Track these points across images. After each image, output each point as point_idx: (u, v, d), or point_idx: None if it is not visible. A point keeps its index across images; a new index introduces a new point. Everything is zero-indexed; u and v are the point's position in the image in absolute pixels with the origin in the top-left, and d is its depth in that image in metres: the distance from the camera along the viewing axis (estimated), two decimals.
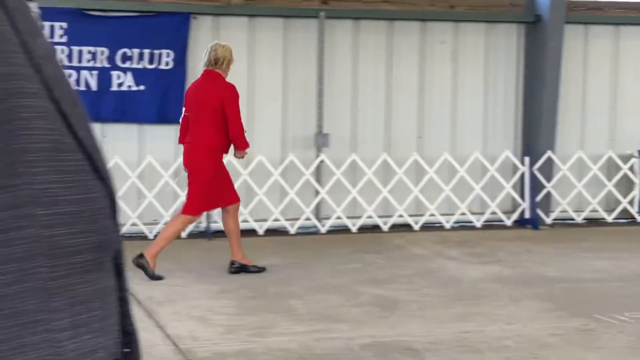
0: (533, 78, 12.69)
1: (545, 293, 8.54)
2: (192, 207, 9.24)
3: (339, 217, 12.19)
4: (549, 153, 12.58)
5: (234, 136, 9.12)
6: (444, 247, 10.97)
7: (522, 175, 12.66)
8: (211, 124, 9.07)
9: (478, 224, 12.51)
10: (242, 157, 9.52)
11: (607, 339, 6.97)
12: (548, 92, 12.51)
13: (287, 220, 12.08)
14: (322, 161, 12.18)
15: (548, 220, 12.68)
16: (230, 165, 11.87)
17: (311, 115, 12.29)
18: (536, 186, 12.51)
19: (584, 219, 12.91)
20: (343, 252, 10.60)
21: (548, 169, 12.68)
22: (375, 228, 12.27)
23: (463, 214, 12.57)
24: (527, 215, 12.54)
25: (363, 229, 12.20)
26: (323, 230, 12.11)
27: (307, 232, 12.16)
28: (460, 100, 12.80)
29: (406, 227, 12.34)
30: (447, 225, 12.39)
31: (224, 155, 9.36)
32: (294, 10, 12.18)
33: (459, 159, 12.62)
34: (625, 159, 12.96)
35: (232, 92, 9.13)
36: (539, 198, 12.55)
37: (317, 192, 12.24)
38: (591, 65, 13.12)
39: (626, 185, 12.98)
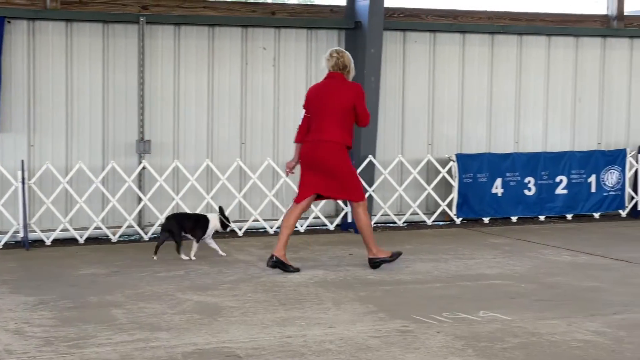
0: None
1: (366, 296, 8.65)
2: (359, 194, 9.88)
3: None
4: (370, 157, 12.77)
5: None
6: (267, 252, 10.93)
7: None
8: (342, 123, 9.74)
9: (302, 229, 12.59)
10: None
11: (426, 339, 7.11)
12: (368, 98, 12.66)
13: (108, 228, 11.88)
14: (144, 168, 12.03)
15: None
16: (50, 173, 11.59)
17: (132, 121, 12.13)
18: None
19: (405, 222, 13.17)
20: (166, 259, 10.47)
21: (370, 173, 12.88)
22: None
23: None
24: (349, 219, 12.69)
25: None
26: (146, 237, 11.95)
27: (130, 240, 11.98)
28: (282, 105, 12.86)
29: (230, 232, 12.30)
30: (271, 231, 12.42)
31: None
32: (113, 16, 11.97)
33: (282, 164, 12.68)
34: (444, 162, 13.29)
35: (361, 90, 9.85)
36: None
37: (139, 199, 12.07)
38: (410, 70, 13.41)
39: (445, 188, 13.31)
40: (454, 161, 13.21)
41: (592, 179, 13.83)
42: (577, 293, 8.82)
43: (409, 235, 12.38)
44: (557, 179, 13.63)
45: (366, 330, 7.40)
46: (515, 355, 6.70)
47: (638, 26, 14.56)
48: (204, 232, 10.44)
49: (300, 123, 9.94)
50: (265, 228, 12.47)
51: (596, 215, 13.90)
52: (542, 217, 13.65)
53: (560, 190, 13.67)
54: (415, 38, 13.39)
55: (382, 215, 12.99)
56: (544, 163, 13.57)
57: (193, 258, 10.40)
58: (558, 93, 14.18)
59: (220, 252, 10.60)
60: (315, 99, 9.82)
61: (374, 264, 9.95)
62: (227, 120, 12.61)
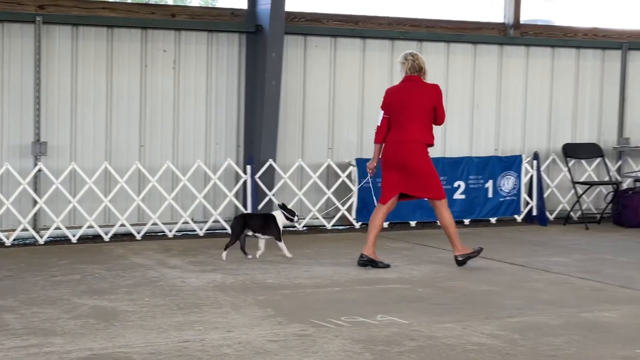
0: (254, 87, 12.84)
1: (265, 300, 8.63)
2: (441, 192, 10.32)
3: (58, 228, 11.86)
4: (270, 161, 12.76)
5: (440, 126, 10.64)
6: (166, 256, 10.89)
7: (245, 184, 12.78)
8: (424, 123, 10.18)
9: (201, 233, 12.52)
10: None
11: (324, 343, 7.12)
12: (269, 101, 12.69)
13: (2, 231, 11.64)
14: (39, 170, 11.81)
15: None
16: None
17: (28, 123, 11.89)
18: (258, 194, 12.66)
19: (305, 226, 13.19)
20: (62, 263, 10.31)
21: (270, 177, 12.87)
22: (97, 238, 12.04)
23: (186, 222, 12.55)
24: None
25: (84, 239, 11.94)
26: (41, 241, 11.74)
27: (24, 244, 11.75)
28: (182, 108, 12.77)
29: (128, 236, 12.18)
30: (170, 234, 12.33)
31: None
32: (8, 15, 11.73)
33: (182, 168, 12.59)
34: (344, 167, 13.35)
35: (440, 91, 10.31)
36: (260, 206, 12.71)
37: (35, 202, 11.85)
38: (310, 75, 13.43)
39: (344, 192, 13.36)
40: (353, 166, 13.27)
41: (489, 184, 14.05)
42: (473, 297, 8.94)
43: (309, 239, 12.40)
44: (455, 184, 13.81)
45: (264, 334, 7.38)
46: (412, 358, 6.75)
47: (534, 35, 14.84)
48: (279, 230, 10.62)
49: (379, 124, 10.31)
50: (164, 231, 12.36)
51: (493, 220, 14.12)
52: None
53: (458, 195, 13.86)
54: (316, 42, 13.43)
55: None
56: (442, 168, 13.72)
57: (289, 255, 10.63)
58: (456, 99, 14.36)
59: (260, 252, 10.71)
60: (396, 101, 10.24)
61: (460, 261, 10.32)
62: (125, 122, 12.46)
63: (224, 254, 10.57)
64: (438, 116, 10.28)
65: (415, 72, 10.28)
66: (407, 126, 10.17)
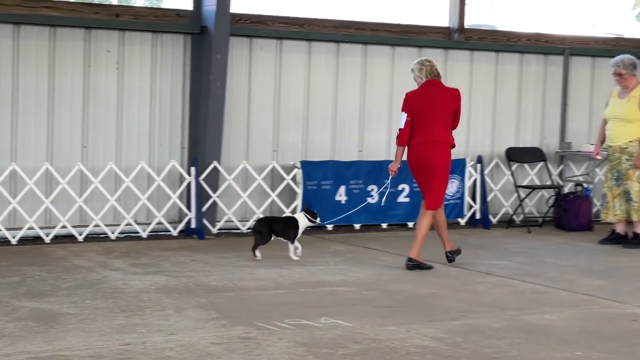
0: (199, 89, 12.77)
1: (209, 302, 8.59)
2: (436, 203, 10.53)
3: None
4: (214, 163, 12.70)
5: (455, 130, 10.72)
6: (108, 258, 10.80)
7: (189, 185, 12.71)
8: (447, 125, 10.48)
9: (144, 234, 12.43)
10: None
11: (268, 346, 7.10)
12: (213, 103, 12.63)
13: None
14: None
15: (214, 230, 12.81)
16: None
17: None
18: (202, 196, 12.60)
19: (249, 228, 13.12)
20: (1, 265, 10.17)
21: (214, 179, 12.80)
22: (37, 239, 11.89)
23: (129, 224, 12.44)
24: (193, 225, 12.60)
25: (24, 241, 11.79)
26: None
27: None
28: (126, 109, 12.65)
29: (70, 238, 12.05)
30: (113, 236, 12.22)
31: None
32: None
33: (125, 169, 12.48)
34: (289, 169, 13.32)
35: (460, 96, 10.65)
36: (205, 208, 12.65)
37: None
38: (256, 77, 13.38)
39: (289, 195, 13.35)
40: (298, 168, 13.26)
41: None
42: (416, 300, 8.97)
43: (253, 241, 12.35)
44: (400, 187, 13.83)
45: (208, 337, 7.35)
46: None
47: (478, 39, 14.94)
48: (297, 233, 10.88)
49: (402, 127, 10.54)
50: (106, 233, 12.25)
51: None
52: (384, 225, 13.83)
53: (402, 199, 13.89)
54: (261, 45, 13.39)
55: (226, 221, 12.93)
56: (387, 171, 13.72)
57: (295, 258, 10.91)
58: (401, 103, 14.34)
59: (295, 256, 10.96)
60: (421, 103, 10.50)
61: (410, 265, 10.48)
62: (68, 122, 12.31)
63: (257, 252, 10.89)
64: (457, 120, 10.60)
65: (434, 77, 10.60)
66: (433, 128, 10.44)
